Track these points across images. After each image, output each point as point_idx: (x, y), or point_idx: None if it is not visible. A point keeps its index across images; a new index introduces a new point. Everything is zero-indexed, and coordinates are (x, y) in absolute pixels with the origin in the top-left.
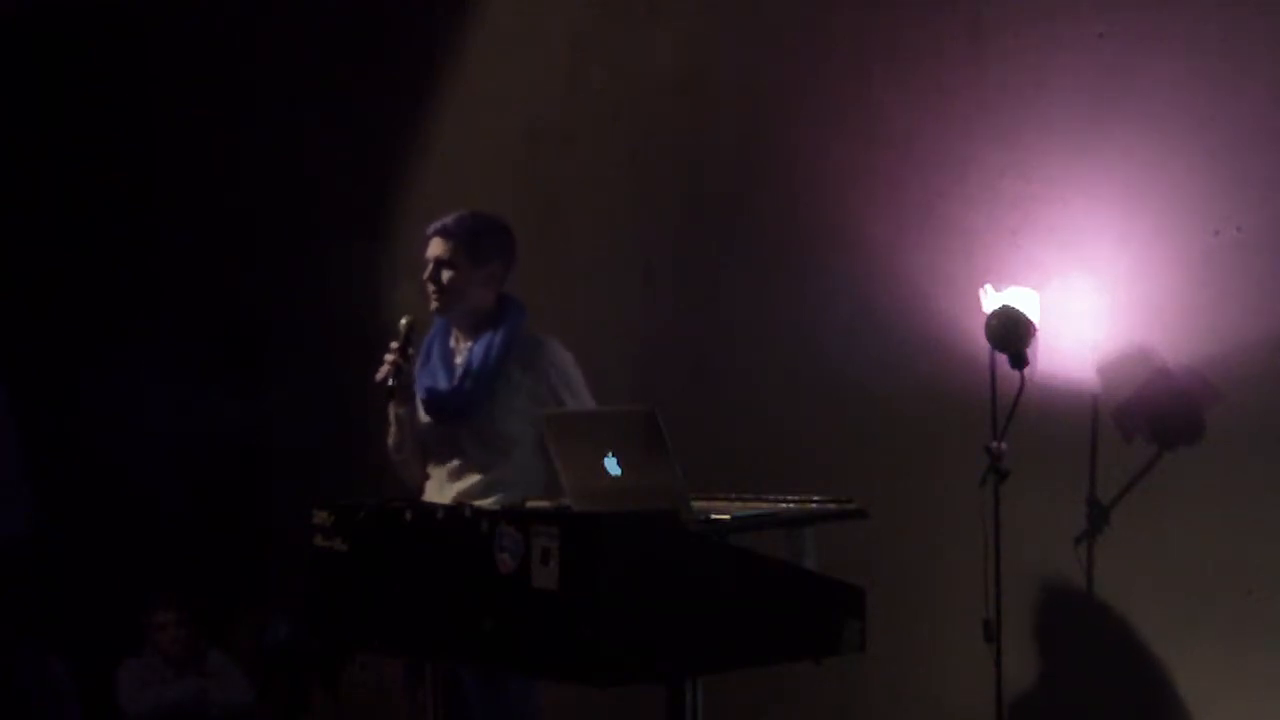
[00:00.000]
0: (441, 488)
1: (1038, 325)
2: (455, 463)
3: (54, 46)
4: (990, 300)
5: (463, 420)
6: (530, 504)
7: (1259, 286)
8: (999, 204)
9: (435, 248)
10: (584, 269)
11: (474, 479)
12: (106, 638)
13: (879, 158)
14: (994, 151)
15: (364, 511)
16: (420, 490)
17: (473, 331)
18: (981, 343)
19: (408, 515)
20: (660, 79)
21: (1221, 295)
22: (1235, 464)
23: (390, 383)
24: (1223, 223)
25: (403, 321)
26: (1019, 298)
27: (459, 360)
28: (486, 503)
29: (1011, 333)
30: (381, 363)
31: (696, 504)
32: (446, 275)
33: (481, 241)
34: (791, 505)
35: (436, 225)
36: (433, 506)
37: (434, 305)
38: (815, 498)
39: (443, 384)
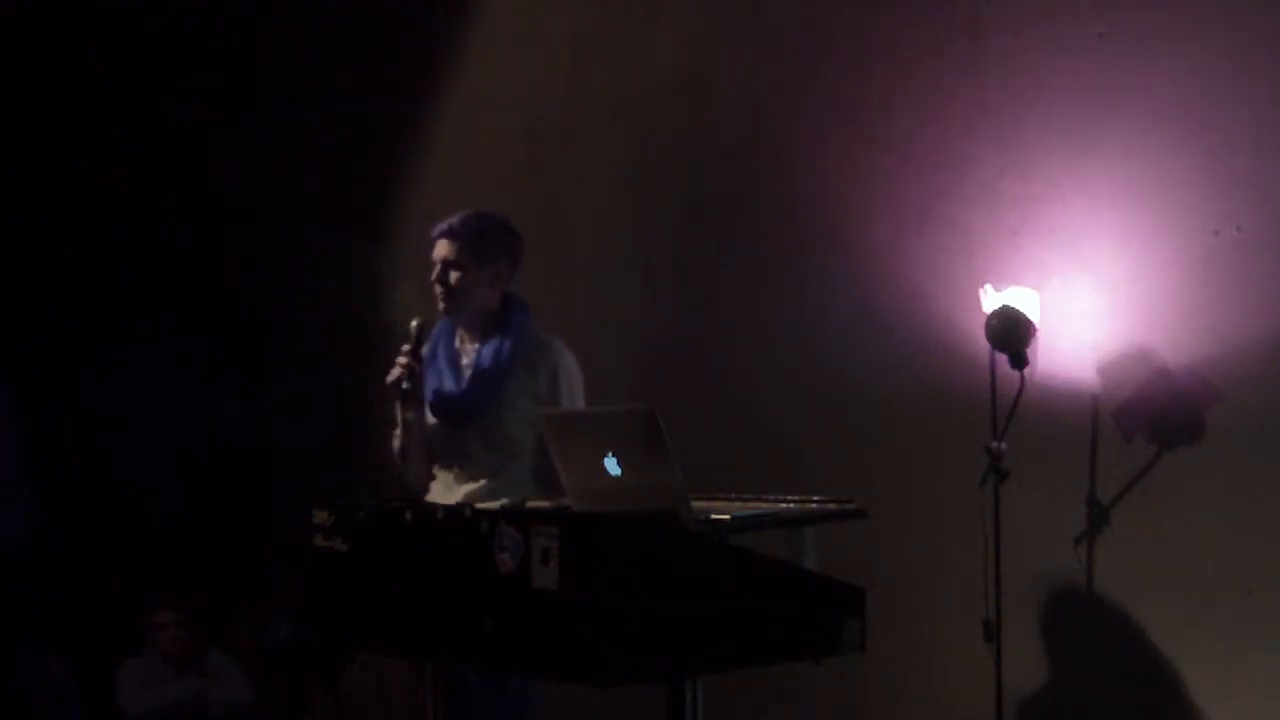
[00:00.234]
0: (448, 490)
1: (1038, 325)
2: (461, 465)
3: (54, 46)
4: (990, 300)
5: (470, 423)
6: (530, 504)
7: (1259, 286)
8: (999, 204)
9: (441, 249)
10: (584, 269)
11: (481, 482)
12: (106, 638)
13: (879, 158)
14: (994, 151)
15: (364, 511)
16: (425, 492)
17: (479, 332)
18: (981, 343)
19: (408, 515)
20: (660, 79)
21: (1221, 295)
22: (1235, 464)
23: (404, 385)
24: (1223, 223)
25: (413, 324)
26: (1019, 298)
27: (465, 361)
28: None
29: (1011, 333)
30: (391, 365)
31: (696, 504)
32: (454, 276)
33: (487, 241)
34: (791, 505)
35: (442, 226)
36: (433, 506)
37: (442, 307)
38: (815, 498)
39: (450, 386)
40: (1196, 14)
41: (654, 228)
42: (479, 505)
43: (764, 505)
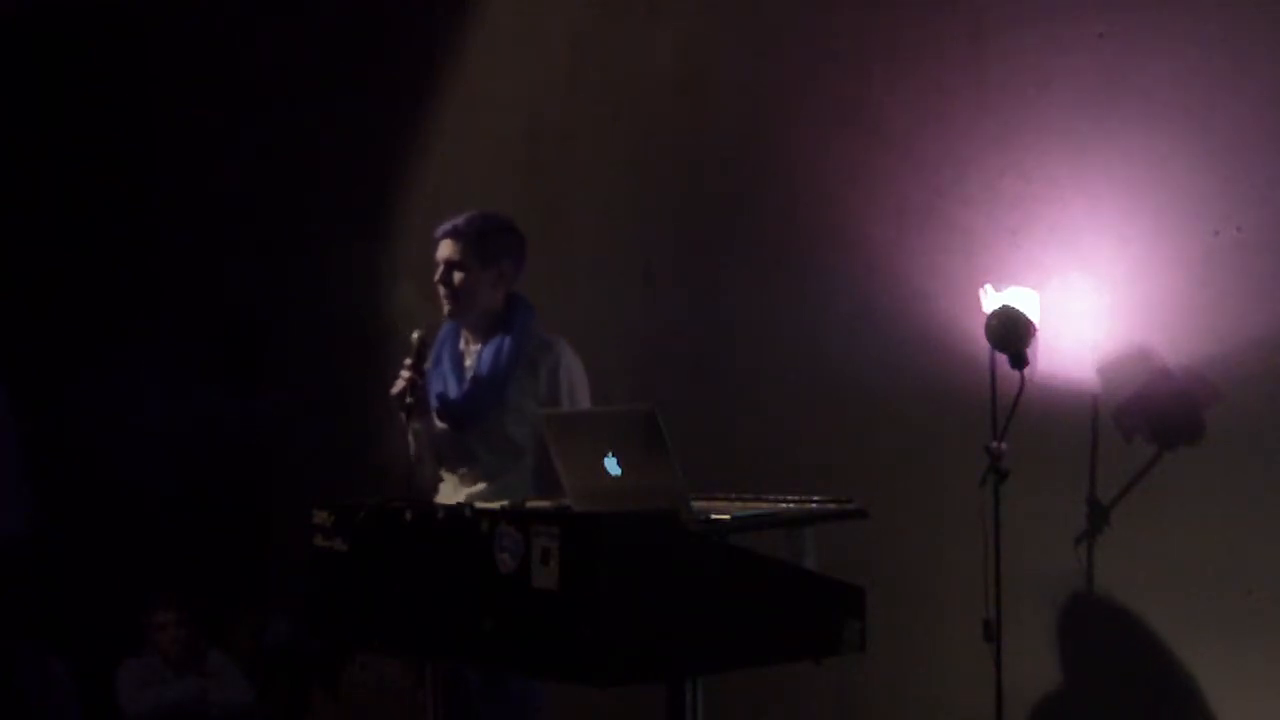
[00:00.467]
0: (454, 492)
1: (1038, 325)
2: (466, 468)
3: (54, 46)
4: (990, 300)
5: (473, 425)
6: (530, 504)
7: (1259, 286)
8: (999, 204)
9: (445, 250)
10: (584, 269)
11: (485, 483)
12: (106, 638)
13: (879, 158)
14: (994, 151)
15: (364, 511)
16: (434, 494)
17: (483, 333)
18: (981, 343)
19: (408, 515)
20: (660, 79)
21: (1221, 295)
22: (1235, 464)
23: (408, 399)
24: (1223, 223)
25: (414, 336)
26: (1019, 298)
27: (469, 364)
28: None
29: (1011, 333)
30: (392, 374)
31: (696, 504)
32: (457, 277)
33: (490, 241)
34: (791, 505)
35: (445, 227)
36: (433, 506)
37: (447, 309)
38: (815, 498)
39: (453, 390)
40: (1196, 14)
41: (654, 228)
42: (479, 505)
43: (764, 505)
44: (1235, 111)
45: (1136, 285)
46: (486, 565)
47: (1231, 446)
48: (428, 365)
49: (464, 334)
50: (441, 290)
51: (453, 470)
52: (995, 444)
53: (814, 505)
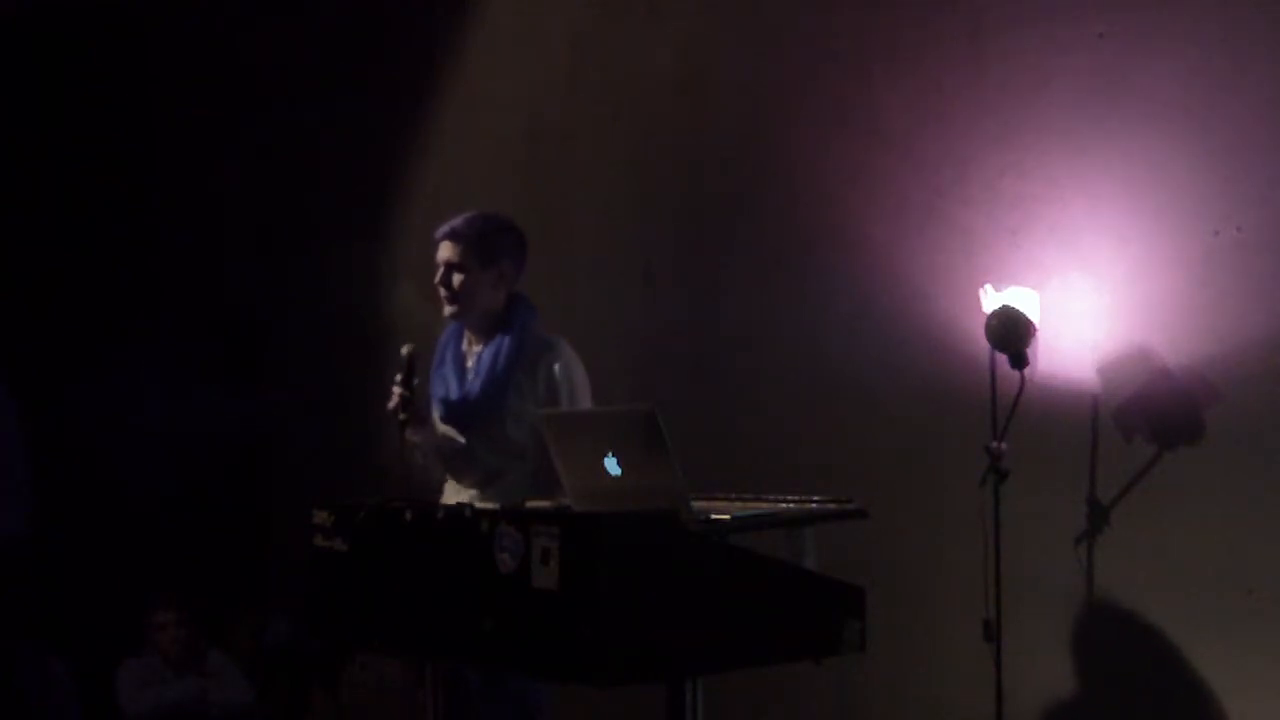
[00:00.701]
0: (457, 493)
1: (1038, 325)
2: (468, 469)
3: (54, 46)
4: (990, 300)
5: (474, 426)
6: (530, 504)
7: (1259, 286)
8: (999, 204)
9: (444, 251)
10: (584, 269)
11: (486, 485)
12: (106, 638)
13: (879, 158)
14: (994, 151)
15: (364, 511)
16: (439, 494)
17: (485, 334)
18: (981, 343)
19: (408, 515)
20: (660, 79)
21: (1221, 295)
22: (1235, 464)
23: (401, 416)
24: (1223, 223)
25: (403, 351)
26: (1019, 298)
27: (470, 364)
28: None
29: (1011, 333)
30: (389, 392)
31: (696, 504)
32: (457, 279)
33: (490, 242)
34: (791, 505)
35: (445, 228)
36: (433, 506)
37: (447, 310)
38: (815, 498)
39: (454, 391)
40: (1196, 14)
41: (654, 228)
42: (479, 505)
43: (764, 505)
44: (1235, 111)
45: (1136, 285)
46: (486, 565)
47: (1231, 446)
48: (418, 381)
49: (466, 335)
50: (441, 292)
51: (455, 470)
52: (995, 444)
53: (814, 505)
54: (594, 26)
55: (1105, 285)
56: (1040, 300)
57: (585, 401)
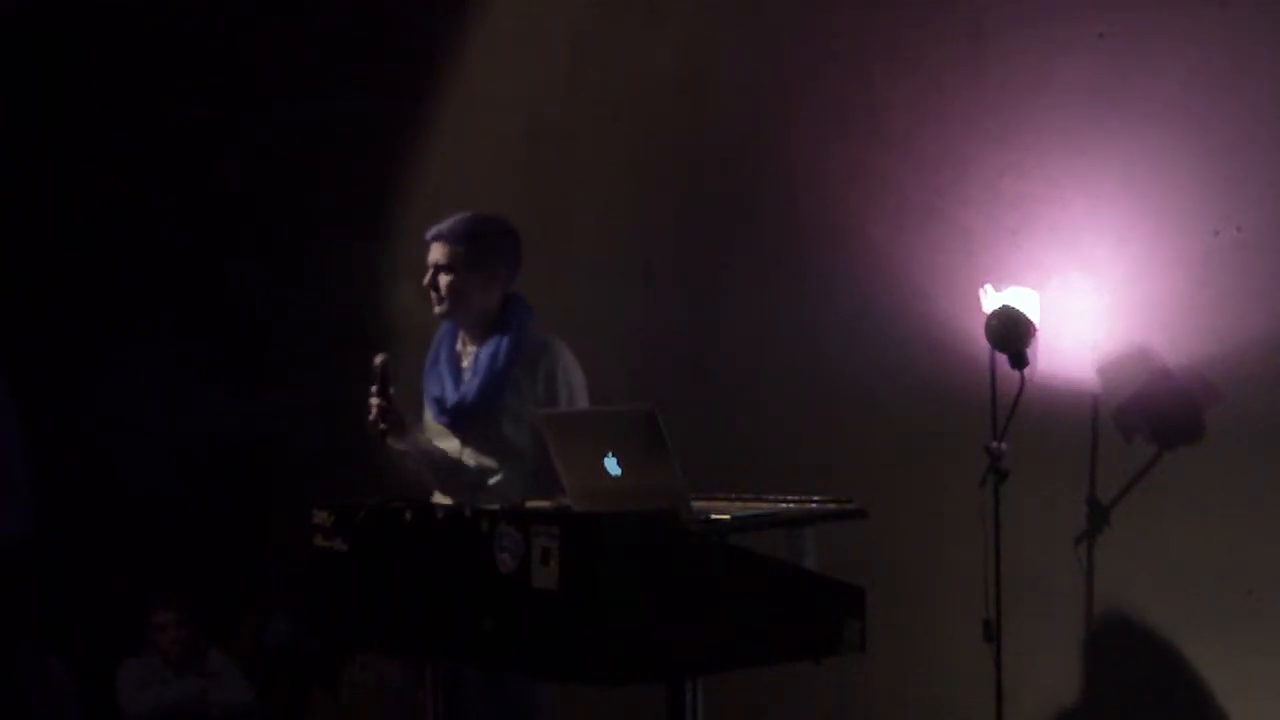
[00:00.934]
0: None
1: (1038, 325)
2: (456, 472)
3: (54, 46)
4: (990, 300)
5: (470, 426)
6: (530, 504)
7: (1259, 286)
8: (999, 204)
9: (434, 252)
10: (584, 269)
11: (480, 485)
12: (106, 638)
13: (879, 158)
14: (994, 151)
15: (364, 511)
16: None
17: (480, 334)
18: (981, 343)
19: (408, 515)
20: (660, 79)
21: (1221, 295)
22: (1235, 464)
23: (381, 426)
24: (1223, 223)
25: (376, 361)
26: (1019, 298)
27: (466, 364)
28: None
29: (1011, 333)
30: (368, 407)
31: (696, 504)
32: (446, 280)
33: (480, 244)
34: (791, 505)
35: (434, 230)
36: (433, 506)
37: (437, 310)
38: (815, 498)
39: (450, 390)
40: (1196, 14)
41: (654, 228)
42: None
43: (764, 505)
44: (1235, 111)
45: (1136, 285)
46: (486, 565)
47: (1231, 446)
48: (393, 390)
49: (461, 335)
50: (431, 293)
51: (442, 477)
52: (995, 444)
53: (814, 505)
54: (594, 26)
55: (1105, 285)
56: (1040, 300)
57: (583, 402)
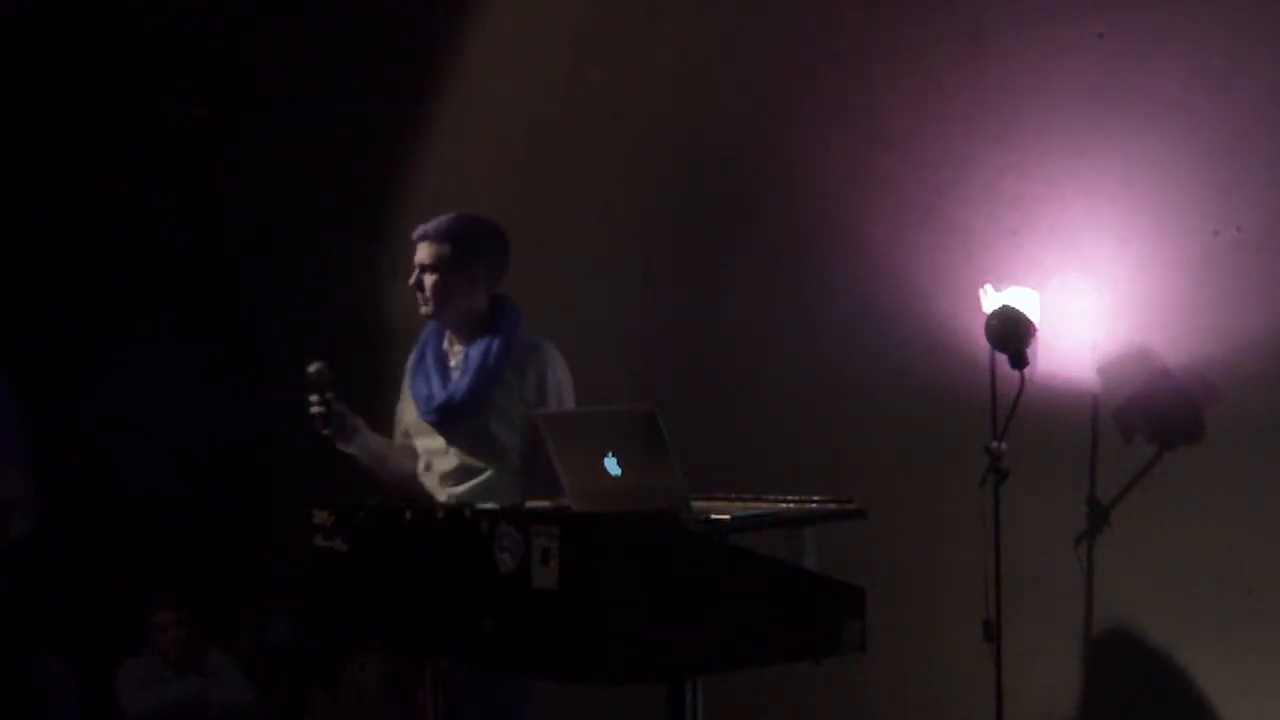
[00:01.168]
0: (435, 492)
1: (1038, 325)
2: (447, 468)
3: (54, 46)
4: (990, 300)
5: (457, 425)
6: (530, 504)
7: (1259, 286)
8: (999, 204)
9: (420, 253)
10: (584, 269)
11: (466, 485)
12: (106, 638)
13: (879, 158)
14: (994, 151)
15: (364, 511)
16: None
17: (466, 335)
18: (981, 343)
19: (408, 515)
20: (660, 79)
21: (1221, 295)
22: (1235, 464)
23: (325, 431)
24: (1223, 223)
25: (310, 370)
26: (1019, 298)
27: (453, 364)
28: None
29: (1011, 333)
30: (312, 405)
31: (696, 504)
32: (430, 281)
33: (465, 245)
34: (791, 505)
35: (420, 230)
36: (433, 506)
37: (423, 310)
38: (815, 498)
39: (437, 389)
40: (1196, 14)
41: (654, 228)
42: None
43: (764, 505)
44: (1235, 111)
45: (1136, 285)
46: (486, 565)
47: (1231, 446)
48: (330, 395)
49: (448, 335)
50: (417, 293)
51: (433, 470)
52: (995, 444)
53: (814, 505)
54: (594, 26)
55: (1105, 285)
56: (1040, 300)
57: (570, 404)
